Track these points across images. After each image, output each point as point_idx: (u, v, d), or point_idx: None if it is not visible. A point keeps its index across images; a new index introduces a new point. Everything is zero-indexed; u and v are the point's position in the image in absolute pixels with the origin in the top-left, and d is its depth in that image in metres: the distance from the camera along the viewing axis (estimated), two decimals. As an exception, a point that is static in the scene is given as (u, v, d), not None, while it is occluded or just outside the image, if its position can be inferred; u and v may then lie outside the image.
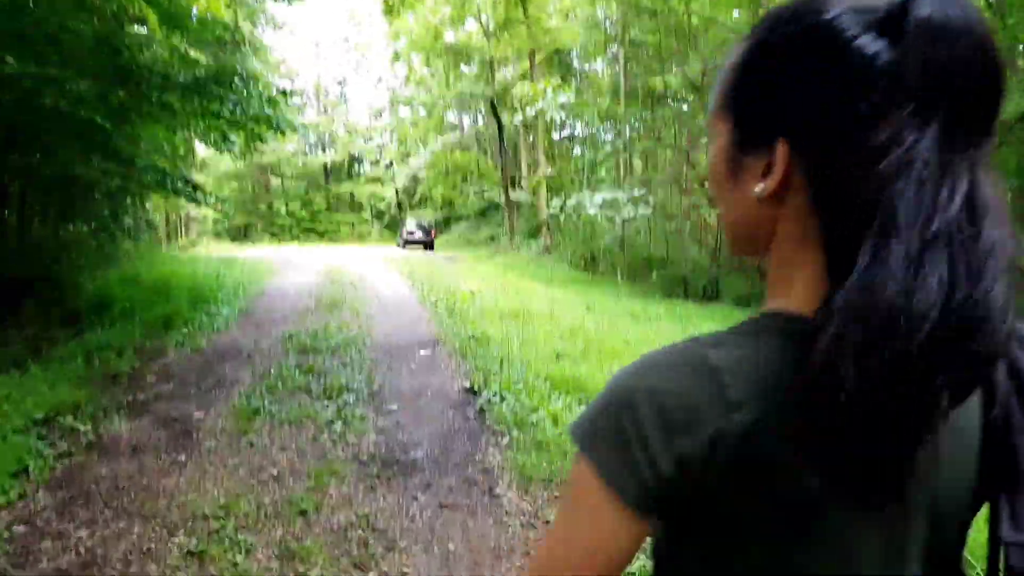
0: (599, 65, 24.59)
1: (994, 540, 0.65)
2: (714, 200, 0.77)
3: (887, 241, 0.55)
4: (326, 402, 5.53)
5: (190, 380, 6.30)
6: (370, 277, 15.18)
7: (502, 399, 5.40)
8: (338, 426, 4.97)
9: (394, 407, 5.47)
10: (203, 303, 10.14)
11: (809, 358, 0.57)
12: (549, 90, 15.63)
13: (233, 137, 12.87)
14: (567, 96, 15.46)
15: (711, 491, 0.62)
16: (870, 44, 0.59)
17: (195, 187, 12.23)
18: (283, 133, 10.72)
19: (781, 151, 0.64)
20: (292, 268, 17.36)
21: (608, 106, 17.19)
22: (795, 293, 0.67)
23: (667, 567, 0.72)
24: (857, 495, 0.59)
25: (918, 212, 0.55)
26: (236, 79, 9.52)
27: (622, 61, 20.19)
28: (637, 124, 16.32)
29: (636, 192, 14.80)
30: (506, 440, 4.69)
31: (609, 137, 19.47)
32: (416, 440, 4.75)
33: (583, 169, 20.16)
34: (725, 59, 0.72)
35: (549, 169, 20.93)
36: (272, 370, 6.56)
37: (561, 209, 16.15)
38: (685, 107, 20.58)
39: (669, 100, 20.70)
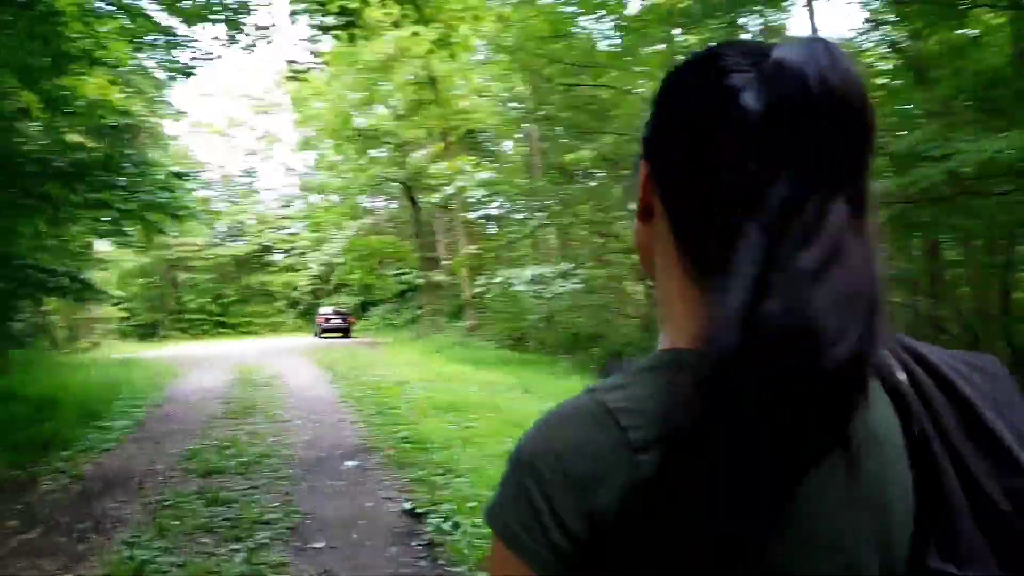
0: (509, 144, 24.50)
1: (920, 569, 0.60)
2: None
3: (727, 283, 0.53)
4: (234, 545, 4.37)
5: (61, 523, 5.01)
6: (286, 373, 13.87)
7: (455, 525, 4.38)
8: (249, 582, 3.84)
9: (320, 544, 4.37)
10: (94, 417, 8.70)
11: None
12: (467, 167, 15.06)
13: (129, 229, 11.68)
14: (486, 173, 14.92)
15: (629, 541, 0.56)
16: (733, 79, 0.59)
17: (85, 285, 10.85)
18: (181, 219, 9.61)
19: (642, 171, 0.67)
20: (201, 367, 15.79)
21: (526, 183, 16.78)
22: (680, 326, 0.65)
23: None
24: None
25: (757, 257, 0.53)
26: (127, 164, 8.43)
27: (536, 138, 20.00)
28: (553, 200, 15.96)
29: (563, 267, 14.20)
30: (468, 586, 3.68)
31: (524, 215, 19.12)
32: (351, 594, 3.68)
33: (505, 246, 19.61)
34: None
35: (473, 247, 20.26)
36: (167, 502, 5.32)
37: (487, 288, 15.36)
38: (595, 182, 20.55)
39: (581, 175, 20.61)
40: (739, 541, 0.53)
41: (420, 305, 32.45)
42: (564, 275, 13.99)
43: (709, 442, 0.52)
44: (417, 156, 25.87)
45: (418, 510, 4.81)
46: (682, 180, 0.62)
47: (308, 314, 40.50)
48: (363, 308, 36.35)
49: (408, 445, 6.93)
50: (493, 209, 25.92)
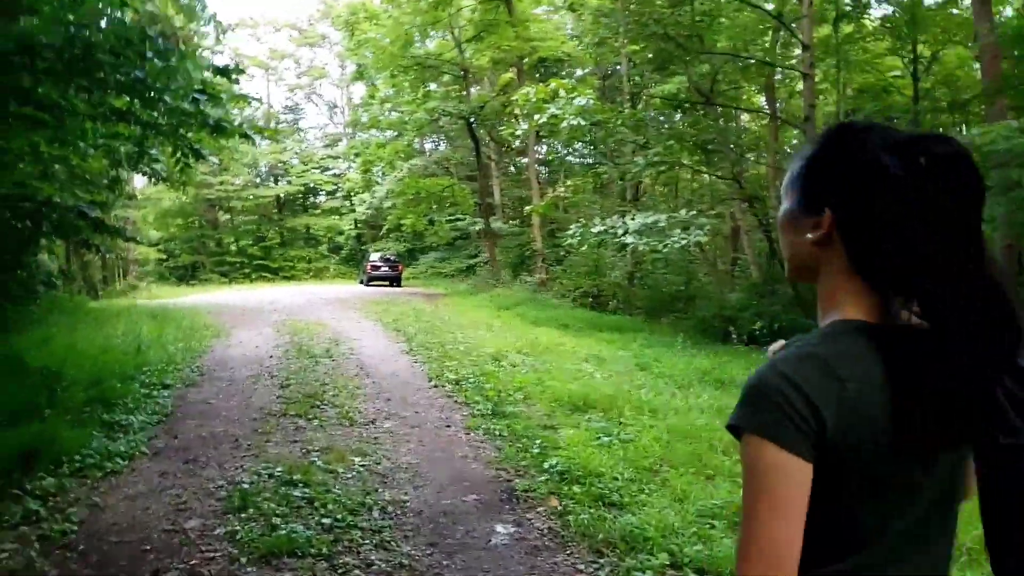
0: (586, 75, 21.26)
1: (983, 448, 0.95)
2: (778, 243, 1.19)
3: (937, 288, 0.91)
4: None
5: None
6: (346, 334, 11.25)
7: None
8: None
9: None
10: (106, 405, 6.14)
11: (900, 357, 0.90)
12: (562, 91, 12.05)
13: (156, 151, 8.96)
14: (586, 100, 11.90)
15: (839, 442, 0.88)
16: (885, 159, 0.93)
17: (97, 225, 8.23)
18: (224, 135, 6.85)
19: (828, 216, 0.98)
20: (243, 322, 13.26)
21: (632, 113, 13.73)
22: (847, 307, 0.97)
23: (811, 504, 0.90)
24: (922, 453, 0.90)
25: (952, 269, 0.90)
26: (146, 45, 5.63)
27: (626, 66, 16.81)
28: (662, 134, 13.04)
29: (683, 215, 11.25)
30: None
31: (618, 157, 16.11)
32: None
33: (597, 189, 16.76)
34: (792, 161, 1.10)
35: (561, 189, 17.36)
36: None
37: (577, 237, 12.47)
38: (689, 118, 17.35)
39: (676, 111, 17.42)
40: (913, 449, 0.89)
41: (472, 254, 29.73)
42: (685, 225, 11.03)
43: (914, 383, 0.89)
44: (479, 89, 22.79)
45: None
46: (872, 234, 0.94)
47: (352, 260, 38.05)
48: (411, 255, 33.74)
49: (577, 490, 4.24)
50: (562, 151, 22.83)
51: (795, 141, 21.88)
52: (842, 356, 0.91)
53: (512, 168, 32.89)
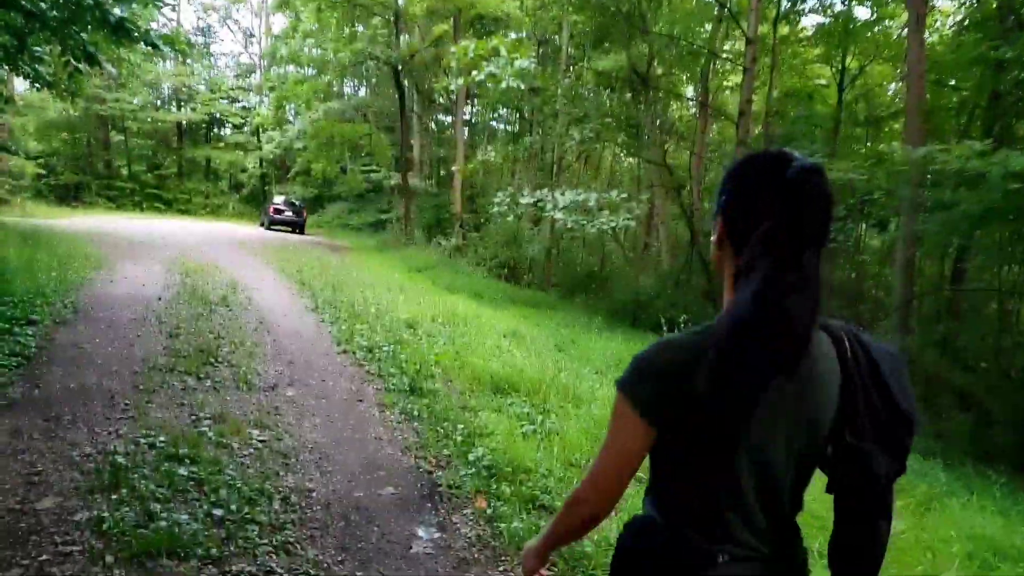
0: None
1: (838, 445, 1.22)
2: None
3: (747, 281, 1.14)
4: None
5: None
6: (245, 281, 10.35)
7: None
8: None
9: None
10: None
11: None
12: (503, 50, 11.39)
13: (41, 51, 7.80)
14: (526, 61, 11.31)
15: (684, 412, 1.14)
16: (752, 176, 1.22)
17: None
18: (126, 42, 5.91)
19: (719, 221, 1.26)
20: (130, 255, 12.02)
21: (571, 85, 13.25)
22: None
23: (660, 461, 1.25)
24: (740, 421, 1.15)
25: (767, 270, 1.12)
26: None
27: (567, 34, 16.31)
28: (597, 111, 12.66)
29: (614, 195, 10.94)
30: None
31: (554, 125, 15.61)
32: None
33: (522, 159, 16.20)
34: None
35: (491, 152, 16.67)
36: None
37: (508, 206, 11.98)
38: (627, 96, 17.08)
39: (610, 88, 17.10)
40: (734, 414, 1.13)
41: (383, 208, 28.66)
42: (614, 206, 10.75)
43: (729, 360, 1.10)
44: (409, 38, 21.67)
45: None
46: (740, 226, 1.20)
47: (253, 200, 36.01)
48: (317, 202, 32.20)
49: (507, 489, 3.81)
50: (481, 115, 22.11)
51: (722, 135, 22.17)
52: (702, 345, 1.14)
53: (433, 126, 31.85)
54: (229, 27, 42.00)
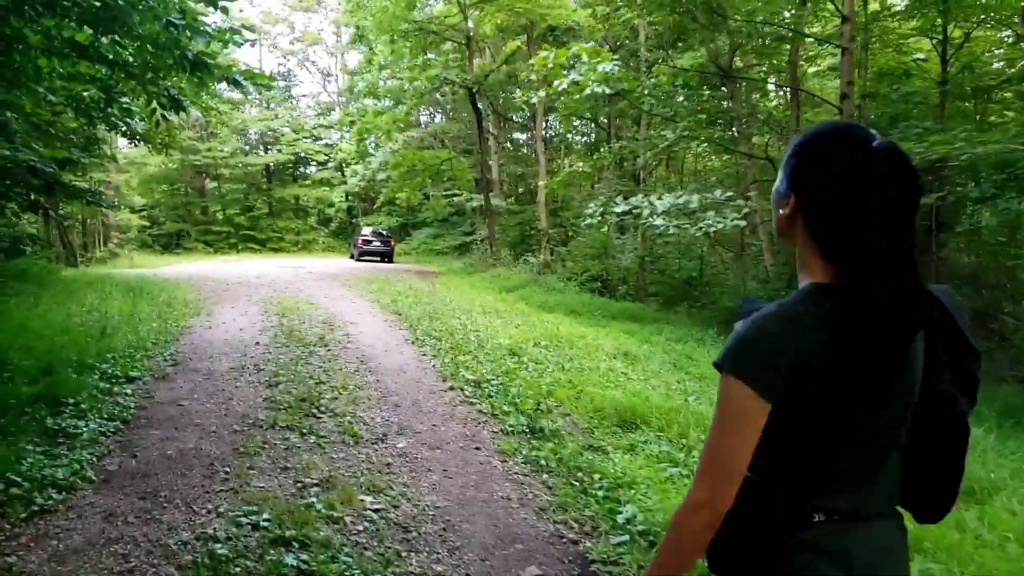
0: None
1: (926, 391, 1.23)
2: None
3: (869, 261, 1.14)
4: None
5: None
6: (341, 316, 10.00)
7: None
8: None
9: None
10: (52, 404, 4.90)
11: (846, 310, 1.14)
12: (584, 56, 10.71)
13: (129, 102, 7.62)
14: (609, 65, 10.59)
15: (809, 382, 1.13)
16: (836, 160, 1.19)
17: (51, 185, 6.88)
18: (206, 79, 5.54)
19: (793, 199, 1.24)
20: (227, 297, 11.96)
21: (667, 79, 12.45)
22: (816, 271, 1.21)
23: (776, 435, 1.16)
24: (873, 387, 1.14)
25: (876, 244, 1.13)
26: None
27: (643, 38, 15.48)
28: (691, 109, 11.80)
29: (716, 195, 10.02)
30: None
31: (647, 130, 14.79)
32: None
33: (607, 167, 15.45)
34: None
35: (579, 164, 16.03)
36: None
37: (602, 216, 11.26)
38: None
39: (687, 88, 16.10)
40: (880, 382, 1.13)
41: (466, 231, 28.41)
42: (718, 207, 9.83)
43: (861, 329, 1.12)
44: (481, 60, 21.32)
45: None
46: (820, 217, 1.21)
47: (342, 233, 36.61)
48: (403, 230, 32.34)
49: None
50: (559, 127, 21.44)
51: (816, 121, 20.64)
52: (814, 315, 1.15)
53: (508, 144, 31.51)
54: (307, 68, 43.20)
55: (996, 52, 22.05)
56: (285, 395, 5.60)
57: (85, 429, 4.56)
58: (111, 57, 6.00)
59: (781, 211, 1.26)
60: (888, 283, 1.12)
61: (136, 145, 14.81)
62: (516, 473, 4.23)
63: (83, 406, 4.97)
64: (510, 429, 5.00)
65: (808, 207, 1.21)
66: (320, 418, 5.06)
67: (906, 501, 1.27)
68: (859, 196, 1.13)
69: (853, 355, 1.11)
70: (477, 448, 4.64)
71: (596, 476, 4.14)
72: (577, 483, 4.06)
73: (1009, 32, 21.11)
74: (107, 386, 5.58)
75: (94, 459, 4.11)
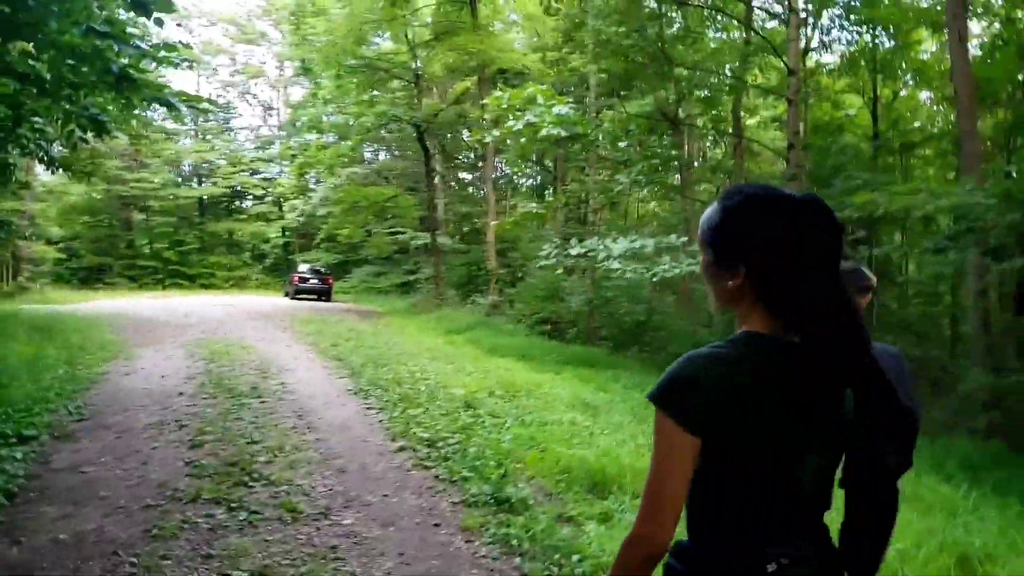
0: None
1: (854, 441, 1.28)
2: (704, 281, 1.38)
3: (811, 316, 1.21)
4: None
5: None
6: (276, 362, 9.21)
7: None
8: None
9: None
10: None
11: (802, 358, 1.21)
12: (540, 98, 10.43)
13: (42, 123, 6.88)
14: (564, 108, 10.33)
15: (731, 420, 1.16)
16: (778, 227, 1.23)
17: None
18: (134, 97, 4.89)
19: (741, 273, 1.25)
20: (150, 339, 10.98)
21: (612, 128, 12.26)
22: (755, 323, 1.25)
23: (705, 473, 1.20)
24: (800, 422, 1.20)
25: (819, 302, 1.21)
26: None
27: (593, 83, 15.44)
28: (645, 154, 11.67)
29: (674, 240, 9.75)
30: None
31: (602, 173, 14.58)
32: None
33: (562, 208, 15.14)
34: (703, 214, 1.33)
35: (533, 205, 15.66)
36: None
37: (556, 258, 10.89)
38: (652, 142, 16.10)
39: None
40: (806, 423, 1.20)
41: (410, 270, 27.71)
42: (672, 251, 9.57)
43: (812, 373, 1.20)
44: (428, 100, 20.99)
45: None
46: (770, 281, 1.23)
47: (276, 269, 35.29)
48: (342, 268, 31.34)
49: None
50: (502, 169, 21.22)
51: (760, 169, 21.09)
52: (743, 358, 1.20)
53: (454, 183, 31.16)
54: (248, 101, 42.01)
55: (917, 112, 23.18)
56: (211, 458, 4.84)
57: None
58: (21, 69, 5.26)
59: (727, 283, 1.28)
60: (835, 332, 1.19)
61: (54, 172, 13.66)
62: (484, 556, 3.62)
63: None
64: (472, 499, 4.37)
65: (756, 272, 1.24)
66: (252, 487, 4.33)
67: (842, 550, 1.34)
68: (801, 249, 1.20)
69: (775, 398, 1.18)
70: (436, 524, 4.01)
71: (575, 557, 3.57)
72: (556, 567, 3.48)
73: (929, 94, 22.27)
74: (4, 444, 4.72)
75: (-35, 547, 3.30)
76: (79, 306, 17.68)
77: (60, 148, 9.33)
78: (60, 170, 13.17)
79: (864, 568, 1.33)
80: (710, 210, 1.31)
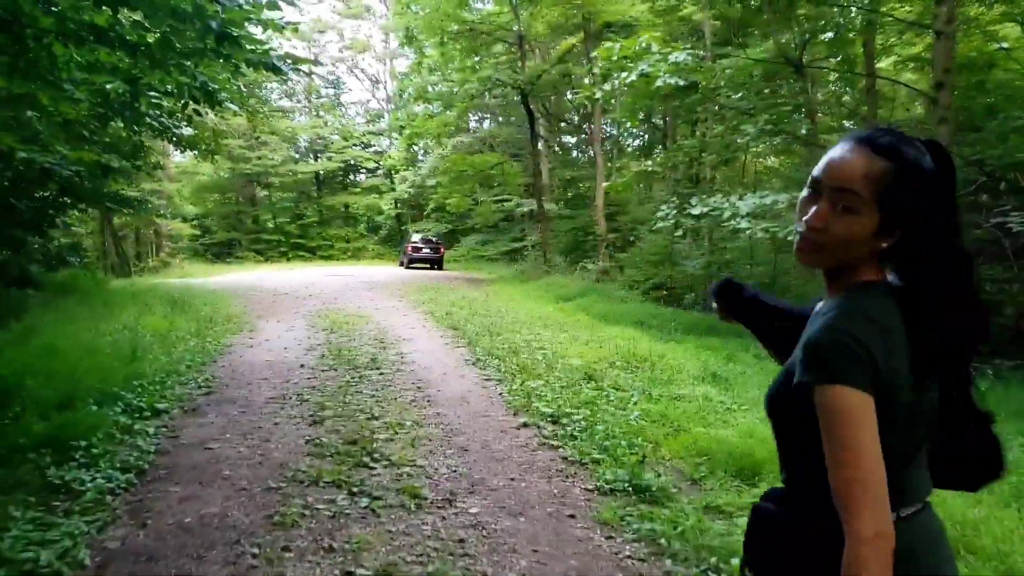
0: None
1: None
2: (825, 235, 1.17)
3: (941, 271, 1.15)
4: None
5: None
6: (393, 332, 9.10)
7: None
8: None
9: None
10: (55, 455, 4.05)
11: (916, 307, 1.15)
12: (655, 46, 9.63)
13: (157, 96, 6.84)
14: (681, 54, 9.49)
15: (887, 378, 1.07)
16: (947, 182, 1.18)
17: (67, 187, 6.11)
18: (236, 55, 4.67)
19: (899, 233, 1.15)
20: (274, 310, 11.21)
21: (735, 74, 11.27)
22: (866, 272, 1.18)
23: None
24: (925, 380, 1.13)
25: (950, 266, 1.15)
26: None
27: (708, 31, 14.29)
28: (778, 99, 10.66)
29: (798, 195, 8.82)
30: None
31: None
32: None
33: (678, 166, 14.28)
34: (847, 152, 1.16)
35: (647, 163, 14.92)
36: None
37: (676, 220, 10.15)
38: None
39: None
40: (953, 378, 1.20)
41: (516, 237, 27.44)
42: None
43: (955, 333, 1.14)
44: (531, 61, 20.33)
45: None
46: (932, 235, 1.15)
47: (390, 240, 36.07)
48: (451, 236, 31.54)
49: None
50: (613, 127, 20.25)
51: (891, 115, 19.15)
52: (879, 308, 1.12)
53: (557, 149, 30.45)
54: (356, 76, 42.81)
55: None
56: (331, 435, 4.65)
57: (91, 485, 3.68)
58: (132, 39, 5.15)
59: (880, 245, 1.17)
60: (971, 289, 1.16)
61: (183, 152, 14.16)
62: (629, 557, 3.17)
63: (95, 450, 4.12)
64: (607, 486, 3.94)
65: (914, 235, 1.16)
66: (374, 469, 4.08)
67: (943, 476, 1.25)
68: (952, 205, 1.16)
69: (924, 340, 1.12)
70: (571, 516, 3.60)
71: (734, 560, 3.07)
72: (714, 574, 2.99)
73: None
74: (128, 422, 4.74)
75: (93, 532, 3.20)
76: (210, 279, 18.56)
77: (184, 127, 9.48)
78: (188, 149, 13.69)
79: (979, 475, 1.27)
80: (870, 161, 1.13)
